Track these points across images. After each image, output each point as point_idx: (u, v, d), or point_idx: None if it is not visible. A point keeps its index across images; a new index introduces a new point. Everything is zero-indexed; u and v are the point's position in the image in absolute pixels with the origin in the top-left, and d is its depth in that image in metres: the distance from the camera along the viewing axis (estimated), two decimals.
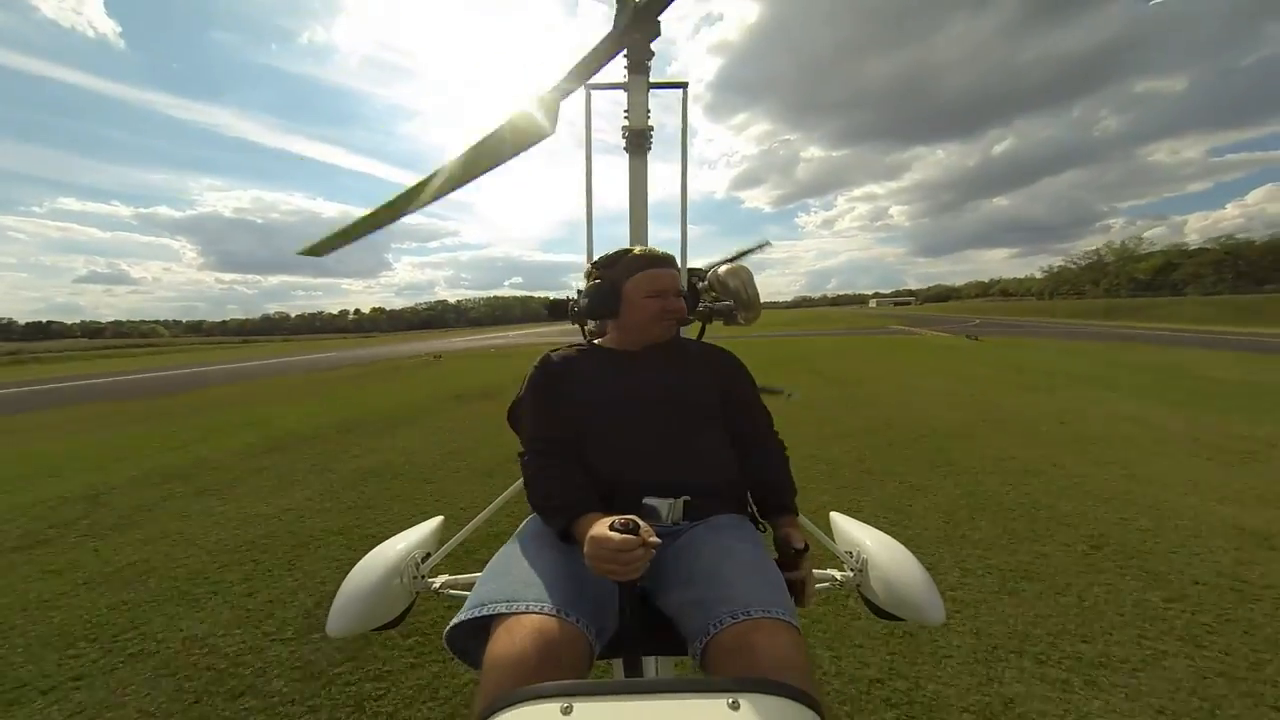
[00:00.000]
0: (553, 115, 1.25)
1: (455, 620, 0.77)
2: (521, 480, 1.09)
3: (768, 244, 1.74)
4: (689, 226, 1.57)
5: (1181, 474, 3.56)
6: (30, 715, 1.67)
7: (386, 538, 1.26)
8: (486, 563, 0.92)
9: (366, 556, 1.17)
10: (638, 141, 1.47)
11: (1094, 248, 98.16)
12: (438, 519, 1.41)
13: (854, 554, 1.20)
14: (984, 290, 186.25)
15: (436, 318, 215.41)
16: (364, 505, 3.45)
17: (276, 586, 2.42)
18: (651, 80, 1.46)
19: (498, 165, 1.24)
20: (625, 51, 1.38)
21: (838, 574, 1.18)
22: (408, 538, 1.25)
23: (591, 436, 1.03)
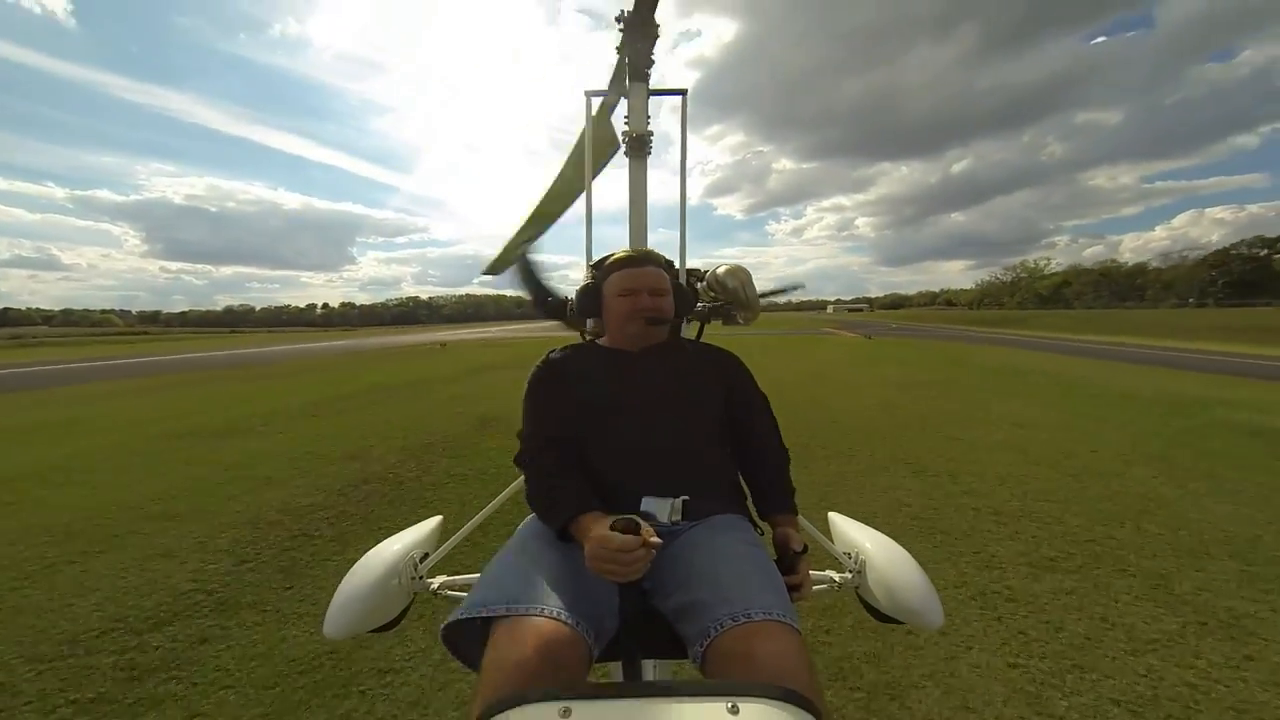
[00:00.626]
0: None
1: (452, 617, 0.77)
2: (519, 481, 1.12)
3: (800, 286, 1.73)
4: (679, 228, 1.58)
5: (866, 393, 7.32)
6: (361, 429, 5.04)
7: (388, 535, 1.26)
8: (486, 563, 0.93)
9: (365, 556, 1.17)
10: (638, 146, 1.50)
11: (1013, 264, 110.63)
12: (436, 519, 1.40)
13: (853, 555, 1.22)
14: (931, 300, 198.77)
15: (409, 314, 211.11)
16: (457, 410, 6.76)
17: (442, 427, 5.77)
18: (651, 87, 1.49)
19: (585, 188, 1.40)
20: (627, 59, 1.44)
21: (836, 575, 1.18)
22: (405, 538, 1.24)
23: (590, 436, 1.05)
